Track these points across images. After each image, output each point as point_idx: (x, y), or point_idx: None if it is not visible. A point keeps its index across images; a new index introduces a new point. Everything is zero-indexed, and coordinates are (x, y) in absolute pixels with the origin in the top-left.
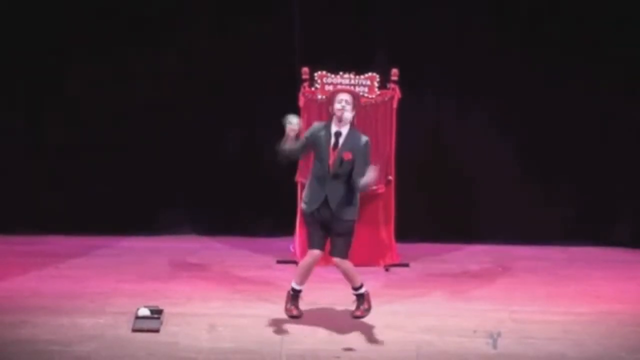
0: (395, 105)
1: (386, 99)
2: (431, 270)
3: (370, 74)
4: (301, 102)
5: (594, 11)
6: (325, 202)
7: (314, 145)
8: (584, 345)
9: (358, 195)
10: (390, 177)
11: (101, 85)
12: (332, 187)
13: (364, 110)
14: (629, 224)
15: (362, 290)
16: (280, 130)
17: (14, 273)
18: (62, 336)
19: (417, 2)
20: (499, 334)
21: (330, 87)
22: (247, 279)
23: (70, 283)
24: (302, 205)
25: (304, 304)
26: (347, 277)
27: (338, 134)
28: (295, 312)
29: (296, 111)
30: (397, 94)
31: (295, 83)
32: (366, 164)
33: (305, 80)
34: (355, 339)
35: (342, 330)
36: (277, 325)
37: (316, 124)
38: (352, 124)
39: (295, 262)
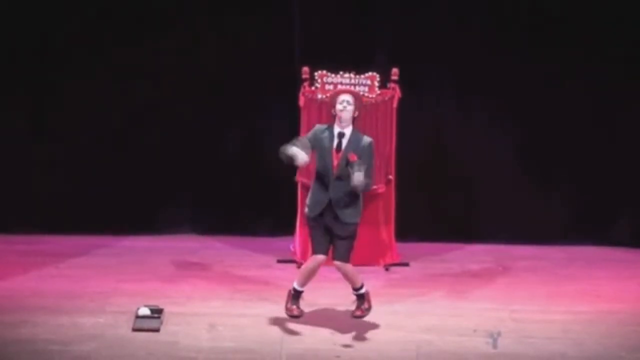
0: (395, 104)
1: (386, 98)
2: (431, 269)
3: (370, 73)
4: (301, 101)
5: (595, 11)
6: (329, 206)
7: (316, 146)
8: (584, 345)
9: (361, 198)
10: (391, 177)
11: (101, 85)
12: (336, 189)
13: (364, 109)
14: (628, 223)
15: (362, 290)
16: (281, 130)
17: (14, 272)
18: (62, 336)
19: (417, 2)
20: (499, 334)
21: (331, 87)
22: (248, 278)
23: (70, 282)
24: (305, 210)
25: (304, 304)
26: (348, 278)
27: (341, 135)
28: (295, 312)
29: (296, 111)
30: (398, 93)
31: (295, 83)
32: (370, 164)
33: (305, 79)
34: (355, 338)
35: (342, 329)
36: (278, 325)
37: (318, 126)
38: (354, 125)
39: (295, 262)
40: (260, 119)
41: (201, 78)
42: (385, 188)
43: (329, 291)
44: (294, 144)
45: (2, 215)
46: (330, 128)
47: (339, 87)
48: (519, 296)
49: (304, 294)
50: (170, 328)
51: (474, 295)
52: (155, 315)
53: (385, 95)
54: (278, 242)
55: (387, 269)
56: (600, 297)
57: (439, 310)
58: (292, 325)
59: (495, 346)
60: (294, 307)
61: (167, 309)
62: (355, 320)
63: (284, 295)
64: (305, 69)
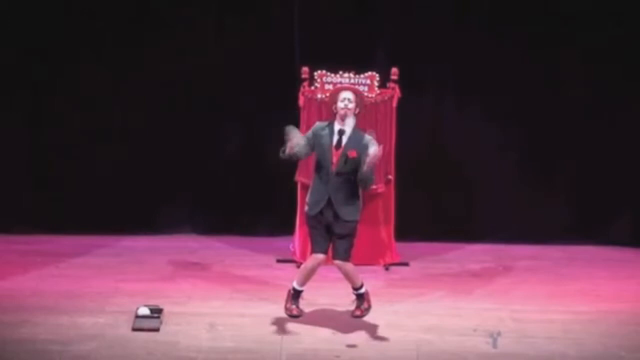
0: (395, 104)
1: (386, 98)
2: (431, 269)
3: (370, 73)
4: (301, 101)
5: (595, 10)
6: (329, 203)
7: (316, 144)
8: (584, 345)
9: (361, 196)
10: (390, 176)
11: (101, 85)
12: (335, 186)
13: (364, 109)
14: (628, 223)
15: (362, 290)
16: (280, 130)
17: (14, 272)
18: (62, 335)
19: (416, 1)
20: (499, 333)
21: (330, 87)
22: (247, 278)
23: (70, 282)
24: (305, 208)
25: (304, 303)
26: (348, 278)
27: (342, 132)
28: (295, 312)
29: (296, 111)
30: (397, 93)
31: (295, 82)
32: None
33: (305, 79)
34: (355, 338)
35: (342, 329)
36: (277, 325)
37: (318, 123)
38: (355, 123)
39: (294, 262)
40: (259, 118)
41: (201, 78)
42: (384, 188)
43: (329, 291)
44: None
45: (2, 215)
46: (330, 125)
47: (341, 85)
48: (519, 296)
49: (303, 294)
50: (170, 328)
51: (474, 295)
52: (155, 315)
53: (385, 94)
54: (278, 241)
55: (386, 269)
56: (600, 296)
57: (438, 310)
58: (291, 325)
59: (495, 346)
60: (294, 306)
61: (167, 308)
62: (355, 320)
63: (283, 295)
64: (305, 68)
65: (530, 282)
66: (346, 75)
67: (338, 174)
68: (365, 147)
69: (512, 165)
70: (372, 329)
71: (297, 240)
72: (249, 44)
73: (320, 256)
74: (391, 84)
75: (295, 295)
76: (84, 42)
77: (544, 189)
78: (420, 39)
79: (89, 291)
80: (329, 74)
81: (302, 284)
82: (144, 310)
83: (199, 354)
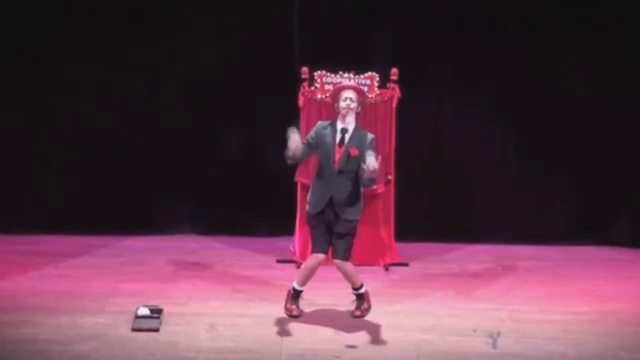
0: (395, 104)
1: (386, 98)
2: (431, 269)
3: (369, 73)
4: (301, 101)
5: (595, 10)
6: (330, 202)
7: (318, 143)
8: (584, 345)
9: (362, 196)
10: (390, 177)
11: (101, 85)
12: (337, 185)
13: (364, 110)
14: (628, 223)
15: (362, 290)
16: (280, 130)
17: (14, 272)
18: (62, 335)
19: (416, 1)
20: (498, 334)
21: (330, 87)
22: (247, 278)
23: (70, 282)
24: (306, 207)
25: (304, 304)
26: (348, 278)
27: (344, 131)
28: (295, 312)
29: (296, 111)
30: (397, 93)
31: (295, 83)
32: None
33: (304, 79)
34: (355, 338)
35: (342, 329)
36: (277, 325)
37: (320, 123)
38: (357, 121)
39: (294, 262)
40: (259, 119)
41: (201, 78)
42: (384, 188)
43: (329, 291)
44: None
45: (3, 215)
46: (333, 124)
47: (343, 84)
48: (519, 296)
49: (303, 294)
50: (170, 328)
51: (474, 295)
52: (155, 315)
53: (385, 95)
54: (278, 242)
55: (386, 269)
56: (599, 297)
57: (438, 310)
58: (291, 325)
59: (495, 346)
60: (294, 307)
61: (167, 309)
62: (355, 320)
63: (283, 295)
64: (305, 69)
65: (530, 282)
66: (346, 75)
67: (340, 172)
68: (368, 145)
69: (512, 166)
70: (372, 329)
71: (297, 240)
72: (249, 44)
73: (321, 256)
74: (391, 84)
75: (295, 295)
76: (84, 42)
77: (544, 189)
78: (420, 39)
79: (89, 291)
80: (328, 74)
81: (303, 283)
82: (144, 311)
83: (198, 354)
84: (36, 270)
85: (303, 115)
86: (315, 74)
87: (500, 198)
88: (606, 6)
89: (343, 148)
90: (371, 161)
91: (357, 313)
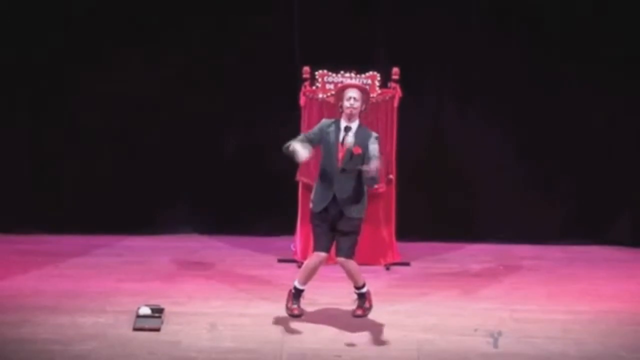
0: (396, 104)
1: (387, 98)
2: (432, 269)
3: (371, 72)
4: (302, 101)
5: (595, 11)
6: (334, 200)
7: (322, 141)
8: (584, 344)
9: (366, 194)
10: (391, 176)
11: (101, 84)
12: (341, 183)
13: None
14: (629, 222)
15: (364, 290)
16: (281, 130)
17: (14, 272)
18: (62, 335)
19: (417, 1)
20: (499, 333)
21: (331, 86)
22: (248, 278)
23: (70, 282)
24: (310, 205)
25: (305, 303)
26: (350, 276)
27: (348, 129)
28: (296, 311)
29: (297, 111)
30: (398, 93)
31: (296, 82)
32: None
33: (306, 79)
34: (356, 337)
35: (343, 329)
36: (278, 324)
37: (325, 120)
38: (360, 120)
39: (296, 261)
40: (260, 118)
41: (201, 77)
42: (385, 187)
43: (330, 290)
44: (295, 141)
45: (3, 215)
46: (336, 122)
47: (347, 82)
48: (520, 296)
49: (304, 293)
50: (171, 327)
51: (475, 294)
52: (156, 314)
53: (386, 94)
54: (279, 241)
55: (387, 269)
56: (600, 296)
57: (439, 309)
58: (293, 325)
59: (496, 345)
60: (295, 306)
61: (168, 308)
62: (356, 319)
63: (284, 295)
64: (306, 68)
65: (530, 282)
66: (347, 75)
67: (343, 170)
68: (370, 145)
69: (513, 165)
70: (373, 329)
71: (298, 239)
72: (249, 44)
73: (322, 254)
74: (392, 84)
75: (296, 294)
76: (84, 42)
77: (545, 189)
78: (421, 38)
79: (89, 291)
80: (330, 73)
81: (304, 282)
82: (145, 310)
83: (199, 353)
84: (37, 269)
85: (304, 115)
86: (316, 73)
87: (501, 197)
88: (607, 6)
89: (346, 147)
90: (373, 164)
91: (359, 312)
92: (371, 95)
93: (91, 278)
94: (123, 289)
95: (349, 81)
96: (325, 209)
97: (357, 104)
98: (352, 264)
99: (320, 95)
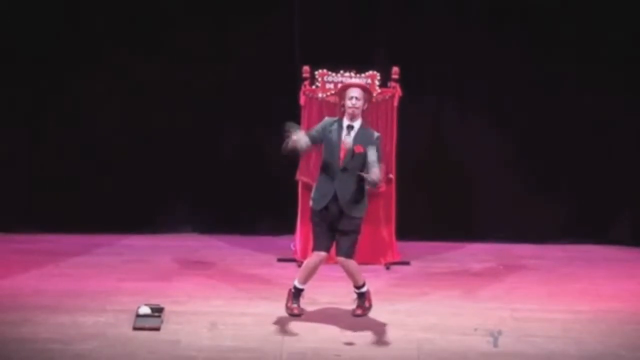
0: (396, 103)
1: (387, 97)
2: (432, 268)
3: (371, 72)
4: (302, 100)
5: (595, 12)
6: (334, 198)
7: (324, 139)
8: (584, 344)
9: (367, 193)
10: (391, 176)
11: (101, 84)
12: (342, 182)
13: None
14: (629, 222)
15: (364, 289)
16: (281, 129)
17: (15, 271)
18: (63, 334)
19: (417, 1)
20: (499, 332)
21: (331, 86)
22: (248, 277)
23: (71, 281)
24: (310, 203)
25: (305, 302)
26: (350, 275)
27: (350, 128)
28: (296, 311)
29: (297, 110)
30: (398, 92)
31: (295, 82)
32: (378, 159)
33: (305, 78)
34: (356, 337)
35: (343, 328)
36: (278, 324)
37: (327, 119)
38: (363, 119)
39: (295, 261)
40: (260, 117)
41: (201, 77)
42: (385, 187)
43: (330, 290)
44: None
45: (4, 215)
46: (339, 121)
47: (349, 81)
48: (520, 295)
49: (304, 292)
50: (171, 327)
51: (475, 294)
52: (156, 314)
53: (386, 94)
54: (279, 240)
55: (387, 268)
56: (600, 296)
57: (439, 309)
58: (292, 324)
59: (496, 345)
60: (295, 305)
61: (168, 307)
62: (356, 319)
63: (284, 294)
64: (306, 68)
65: (530, 281)
66: (347, 74)
67: (344, 169)
68: (373, 143)
69: (513, 165)
70: (373, 328)
71: (298, 239)
72: (249, 44)
73: (322, 253)
74: (392, 83)
75: (296, 294)
76: (85, 42)
77: (545, 188)
78: (422, 38)
79: (89, 290)
80: (330, 73)
81: (304, 281)
82: (145, 309)
83: (199, 353)
84: (37, 269)
85: (304, 114)
86: (316, 73)
87: (501, 197)
88: (607, 7)
89: (346, 147)
90: (374, 173)
91: (358, 312)
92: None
93: (92, 277)
94: (123, 288)
95: (350, 80)
96: (326, 208)
97: (359, 103)
98: (352, 263)
99: (320, 95)
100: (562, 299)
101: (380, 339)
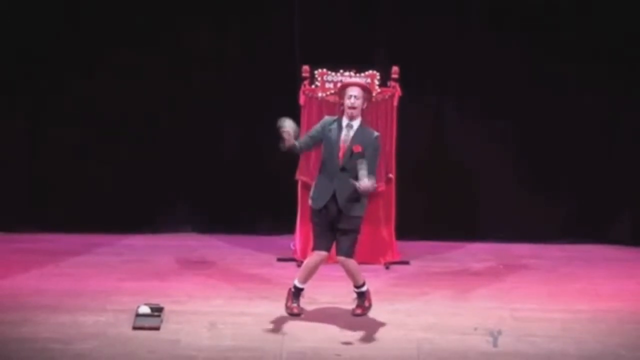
0: (396, 103)
1: (387, 96)
2: (432, 268)
3: (370, 71)
4: (302, 100)
5: (595, 12)
6: (333, 198)
7: (324, 138)
8: (584, 343)
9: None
10: (391, 175)
11: (102, 84)
12: (341, 181)
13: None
14: (628, 222)
15: (363, 289)
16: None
17: (15, 271)
18: (63, 334)
19: (417, 1)
20: (499, 332)
21: (331, 85)
22: (248, 276)
23: (71, 281)
24: (309, 202)
25: (304, 302)
26: (350, 275)
27: (349, 127)
28: (296, 310)
29: (296, 110)
30: (398, 91)
31: (295, 81)
32: (375, 158)
33: (305, 78)
34: (356, 336)
35: (342, 328)
36: (278, 323)
37: (327, 118)
38: (363, 118)
39: (295, 260)
40: (260, 117)
41: (201, 77)
42: (385, 187)
43: (330, 289)
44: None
45: (4, 214)
46: (338, 120)
47: (348, 80)
48: (520, 295)
49: (304, 292)
50: (171, 326)
51: (475, 293)
52: (156, 313)
53: (386, 93)
54: (278, 240)
55: (387, 268)
56: (600, 295)
57: (439, 308)
58: (292, 324)
59: (495, 344)
60: (295, 305)
61: (168, 307)
62: (356, 318)
63: (284, 294)
64: (306, 67)
65: (530, 281)
66: (347, 74)
67: (344, 168)
68: (372, 142)
69: (513, 164)
70: (372, 328)
71: (298, 238)
72: (249, 44)
73: (323, 253)
74: (392, 83)
75: (296, 293)
76: (85, 42)
77: (544, 188)
78: (422, 38)
79: (89, 290)
80: (329, 72)
81: (304, 281)
82: (145, 309)
83: (199, 352)
84: (37, 268)
85: (304, 113)
86: (316, 72)
87: (501, 196)
88: (607, 7)
89: (347, 145)
90: (363, 183)
91: (358, 311)
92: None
93: (91, 277)
94: (123, 288)
95: (349, 79)
96: (325, 207)
97: (358, 102)
98: (351, 262)
99: (320, 94)
100: (561, 299)
101: (380, 338)
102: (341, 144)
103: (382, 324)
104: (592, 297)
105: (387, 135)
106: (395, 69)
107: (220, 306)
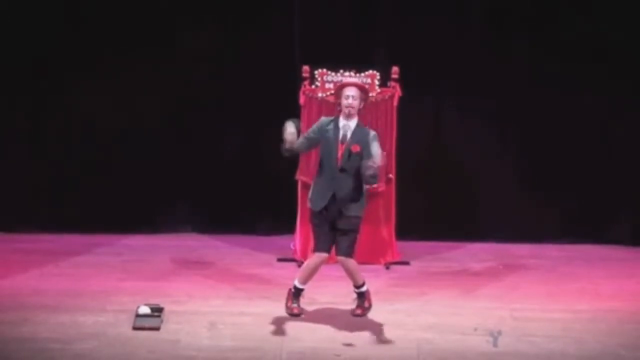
0: (395, 103)
1: (387, 97)
2: (432, 268)
3: (370, 71)
4: (302, 100)
5: (596, 11)
6: (333, 198)
7: (321, 139)
8: (584, 343)
9: (365, 192)
10: (391, 175)
11: (102, 84)
12: (340, 182)
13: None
14: (628, 222)
15: (363, 289)
16: (281, 129)
17: (15, 271)
18: (62, 334)
19: (417, 1)
20: (499, 332)
21: (331, 85)
22: (248, 276)
23: (71, 281)
24: (308, 204)
25: (304, 302)
26: (350, 275)
27: (346, 128)
28: (296, 310)
29: (296, 110)
30: (398, 92)
31: (295, 81)
32: (377, 142)
33: (305, 78)
34: (355, 337)
35: (342, 328)
36: (278, 323)
37: (324, 119)
38: (360, 118)
39: (295, 260)
40: (260, 117)
41: (201, 77)
42: (385, 187)
43: (330, 289)
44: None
45: (4, 214)
46: (335, 120)
47: (346, 81)
48: (519, 295)
49: (304, 292)
50: (171, 326)
51: (475, 293)
52: (156, 313)
53: (386, 93)
54: (278, 240)
55: (387, 268)
56: (599, 295)
57: (439, 308)
58: (292, 324)
59: (495, 344)
60: (295, 305)
61: (168, 307)
62: (356, 318)
63: (284, 294)
64: (306, 67)
65: (530, 281)
66: (347, 74)
67: (342, 169)
68: (370, 141)
69: (513, 165)
70: (372, 328)
71: (298, 238)
72: (249, 44)
73: (324, 255)
74: (392, 83)
75: (296, 293)
76: (85, 42)
77: (544, 188)
78: (421, 38)
79: (89, 290)
80: (329, 72)
81: (304, 282)
82: (145, 309)
83: (199, 352)
84: (37, 268)
85: (304, 114)
86: (316, 72)
87: (501, 197)
88: (607, 7)
89: (345, 145)
90: (376, 155)
91: (358, 312)
92: (370, 94)
93: (91, 277)
94: (123, 288)
95: (347, 79)
96: (325, 208)
97: (355, 102)
98: (351, 262)
99: (320, 94)
100: (561, 299)
101: (380, 338)
102: (339, 145)
103: (382, 324)
104: (592, 297)
105: (387, 136)
106: (395, 69)
107: (220, 306)
